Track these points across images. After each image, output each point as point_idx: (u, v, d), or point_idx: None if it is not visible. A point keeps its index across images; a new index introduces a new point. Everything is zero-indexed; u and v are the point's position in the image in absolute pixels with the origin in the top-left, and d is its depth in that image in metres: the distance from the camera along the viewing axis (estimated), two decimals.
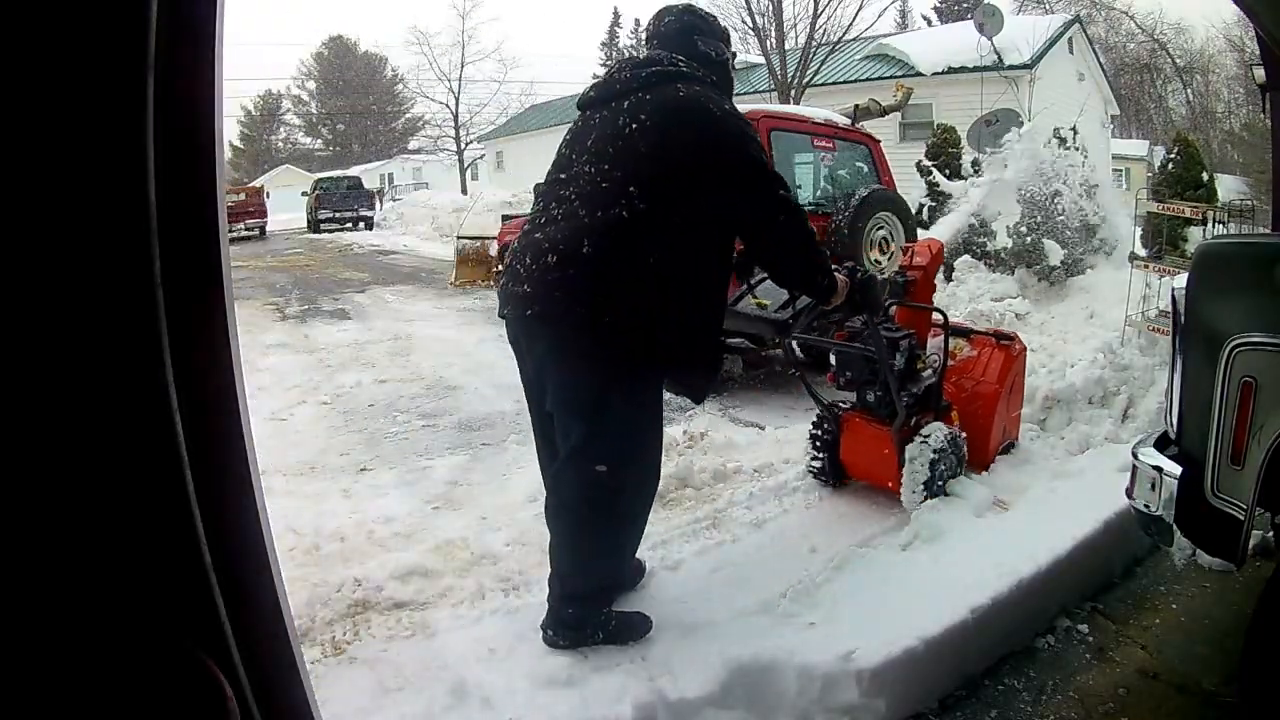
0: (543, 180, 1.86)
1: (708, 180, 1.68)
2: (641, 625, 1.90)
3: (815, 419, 2.87)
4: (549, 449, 1.90)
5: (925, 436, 2.56)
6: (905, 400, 2.56)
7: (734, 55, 1.96)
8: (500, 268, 6.76)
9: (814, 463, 2.86)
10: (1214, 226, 4.57)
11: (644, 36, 1.95)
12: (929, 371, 2.66)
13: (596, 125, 1.76)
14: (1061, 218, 5.92)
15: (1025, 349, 3.03)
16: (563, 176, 1.77)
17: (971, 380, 2.87)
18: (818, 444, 2.83)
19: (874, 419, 2.68)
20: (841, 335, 2.85)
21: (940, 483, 2.61)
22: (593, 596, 1.87)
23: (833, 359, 2.70)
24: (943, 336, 2.82)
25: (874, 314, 2.32)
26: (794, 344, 2.98)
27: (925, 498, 2.56)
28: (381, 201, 22.30)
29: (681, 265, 1.68)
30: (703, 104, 1.70)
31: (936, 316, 2.81)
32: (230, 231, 9.98)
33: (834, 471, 2.84)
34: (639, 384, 1.75)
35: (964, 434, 2.71)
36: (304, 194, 22.29)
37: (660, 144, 1.66)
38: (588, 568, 1.87)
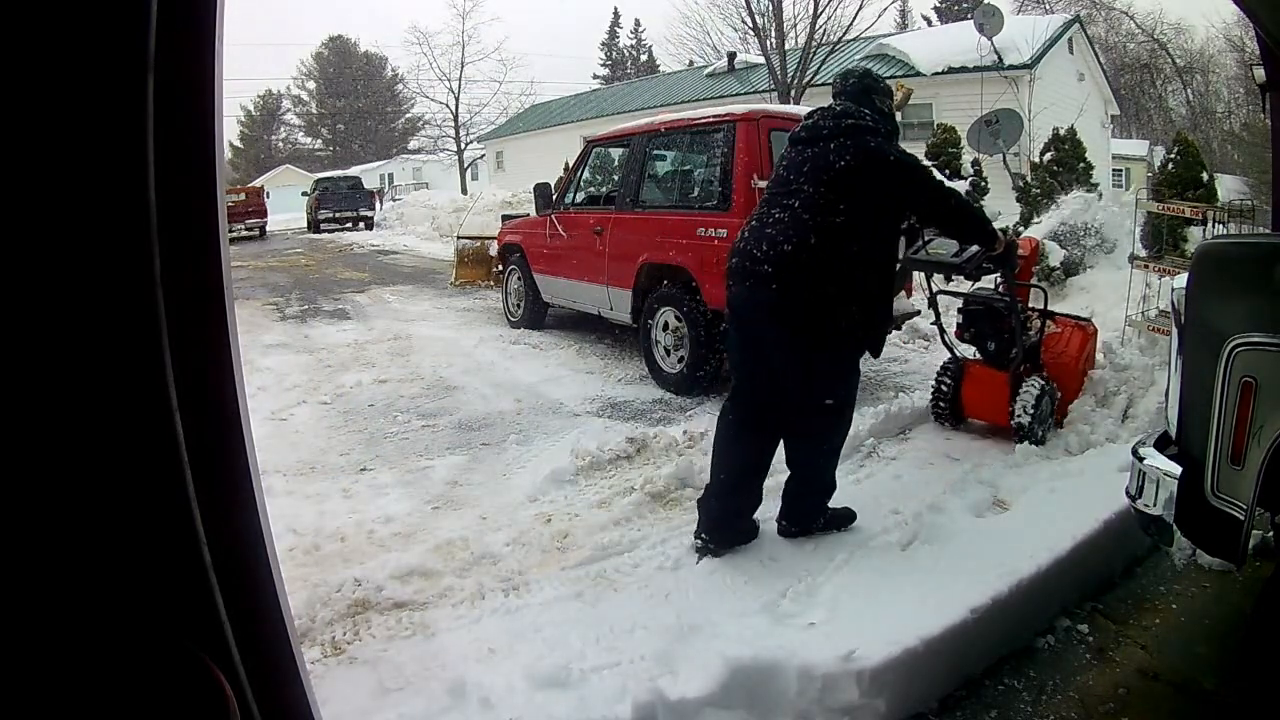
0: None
1: (897, 200, 2.46)
2: (848, 517, 2.56)
3: (939, 371, 3.60)
4: (751, 385, 2.47)
5: (1032, 379, 3.26)
6: (1017, 350, 3.28)
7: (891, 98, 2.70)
8: (498, 267, 6.79)
9: (939, 406, 3.55)
10: (1214, 226, 4.57)
11: (833, 91, 2.66)
12: (1033, 332, 3.36)
13: (811, 157, 2.42)
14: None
15: (1097, 331, 3.74)
16: (784, 190, 2.43)
17: (1056, 352, 3.50)
18: (942, 390, 3.53)
19: (991, 366, 3.41)
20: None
21: (1042, 422, 3.23)
22: (827, 490, 2.54)
23: (960, 318, 3.53)
24: (1034, 315, 3.47)
25: (1011, 271, 3.15)
26: (936, 306, 3.71)
27: (1030, 425, 3.18)
28: (381, 201, 22.29)
29: (872, 253, 2.40)
30: (890, 153, 2.44)
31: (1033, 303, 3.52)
32: (230, 231, 9.96)
33: (954, 412, 3.53)
34: (847, 340, 2.40)
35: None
36: (304, 194, 22.25)
37: (862, 178, 2.36)
38: (824, 471, 2.52)
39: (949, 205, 2.56)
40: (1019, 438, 3.21)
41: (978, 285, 3.50)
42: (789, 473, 2.53)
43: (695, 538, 2.43)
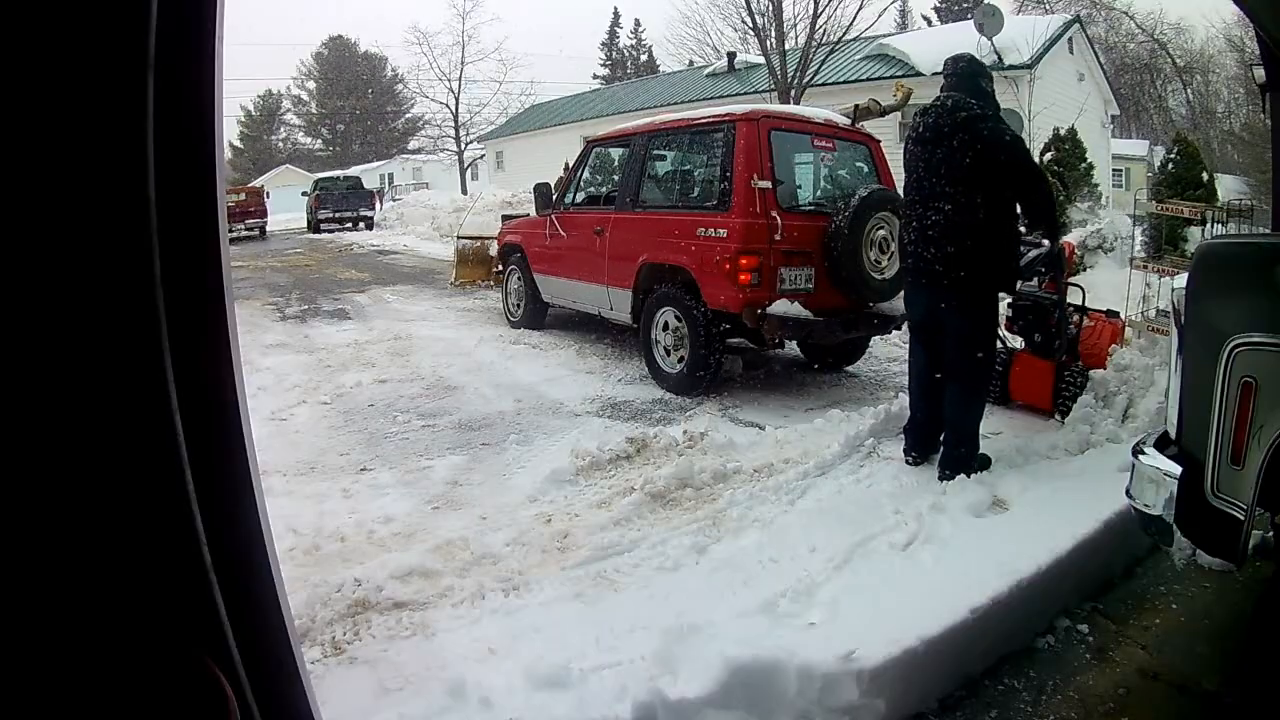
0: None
1: (1007, 179, 2.91)
2: (987, 462, 3.05)
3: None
4: (925, 358, 3.16)
5: (1074, 370, 3.65)
6: (1060, 342, 3.70)
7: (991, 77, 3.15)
8: (498, 267, 6.80)
9: (990, 389, 3.73)
10: (1214, 226, 4.57)
11: (942, 75, 3.14)
12: (1072, 327, 3.77)
13: (943, 159, 2.91)
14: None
15: (1125, 323, 4.15)
16: (930, 192, 2.96)
17: (1091, 344, 3.89)
18: (993, 374, 3.73)
19: (1037, 356, 3.80)
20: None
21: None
22: (974, 440, 3.06)
23: (1011, 311, 3.86)
24: (1072, 313, 3.84)
25: (1060, 272, 3.65)
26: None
27: (1068, 411, 3.49)
28: (381, 201, 22.27)
29: (1000, 238, 2.95)
30: (1001, 135, 2.90)
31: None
32: (230, 231, 9.94)
33: (1002, 395, 3.88)
34: (992, 311, 3.05)
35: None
36: (304, 194, 22.23)
37: (986, 168, 2.86)
38: (972, 418, 3.04)
39: (1040, 184, 3.08)
40: (1061, 420, 3.54)
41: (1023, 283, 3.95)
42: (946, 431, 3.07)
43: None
